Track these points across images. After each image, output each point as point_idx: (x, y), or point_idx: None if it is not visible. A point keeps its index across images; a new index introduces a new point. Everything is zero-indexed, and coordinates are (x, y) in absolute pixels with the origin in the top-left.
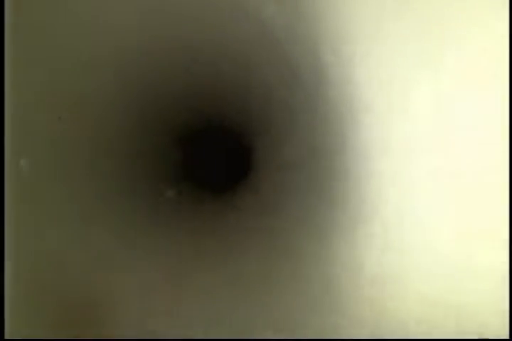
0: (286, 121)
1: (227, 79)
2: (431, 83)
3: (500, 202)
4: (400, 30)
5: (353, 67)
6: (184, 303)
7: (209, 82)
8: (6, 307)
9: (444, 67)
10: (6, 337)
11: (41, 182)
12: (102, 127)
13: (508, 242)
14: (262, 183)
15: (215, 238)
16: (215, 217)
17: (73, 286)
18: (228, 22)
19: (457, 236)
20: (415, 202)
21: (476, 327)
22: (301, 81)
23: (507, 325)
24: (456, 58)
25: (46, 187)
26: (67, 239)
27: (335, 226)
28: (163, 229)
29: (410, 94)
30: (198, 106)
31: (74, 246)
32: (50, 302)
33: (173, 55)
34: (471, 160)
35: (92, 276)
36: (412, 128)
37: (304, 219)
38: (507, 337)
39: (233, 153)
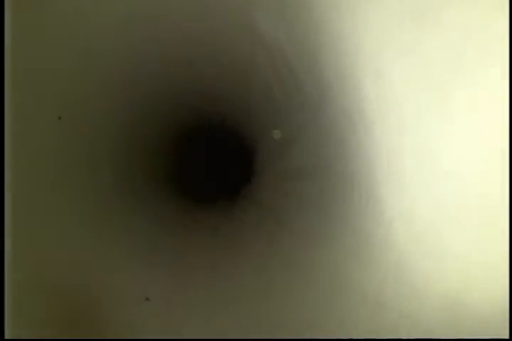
0: (290, 129)
1: (231, 86)
2: (438, 90)
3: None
4: (405, 41)
5: (360, 75)
6: (183, 310)
7: (211, 87)
8: (6, 307)
9: (449, 73)
10: (6, 337)
11: (41, 182)
12: (102, 127)
13: (508, 242)
14: (264, 192)
15: (215, 248)
16: (215, 226)
17: (73, 286)
18: (230, 33)
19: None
20: (426, 211)
21: (475, 326)
22: (306, 88)
23: (507, 325)
24: (462, 65)
25: (46, 187)
26: (67, 239)
27: (339, 239)
28: (162, 238)
29: (420, 102)
30: (199, 111)
31: (74, 246)
32: (50, 302)
33: (175, 56)
34: (477, 167)
35: (93, 276)
36: (423, 137)
37: (306, 230)
38: (507, 337)
39: (235, 160)
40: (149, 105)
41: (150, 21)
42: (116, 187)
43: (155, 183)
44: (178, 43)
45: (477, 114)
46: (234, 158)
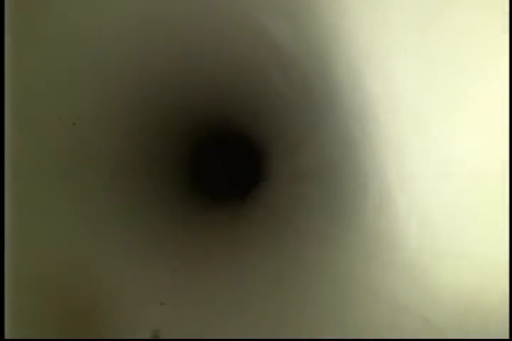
0: (299, 133)
1: (240, 90)
2: (448, 90)
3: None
4: (414, 42)
5: (370, 76)
6: (191, 310)
7: (220, 89)
8: (6, 307)
9: (458, 72)
10: (6, 337)
11: (44, 183)
12: (114, 133)
13: (508, 241)
14: (273, 194)
15: (224, 247)
16: (225, 226)
17: (74, 286)
18: (241, 37)
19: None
20: (438, 212)
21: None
22: (315, 90)
23: (507, 325)
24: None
25: (47, 188)
26: (68, 239)
27: (347, 240)
28: (172, 239)
29: (430, 102)
30: (209, 114)
31: (74, 246)
32: (51, 302)
33: (183, 58)
34: (491, 167)
35: (93, 276)
36: (433, 137)
37: (314, 231)
38: (507, 337)
39: (245, 163)
40: (156, 109)
41: (156, 23)
42: (127, 188)
43: (165, 186)
44: (185, 45)
45: (487, 113)
46: (243, 159)
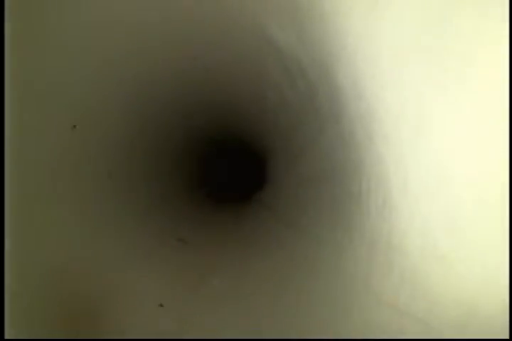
0: (303, 137)
1: (245, 95)
2: (456, 97)
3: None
4: (421, 48)
5: (375, 82)
6: (192, 313)
7: (225, 95)
8: (6, 307)
9: (466, 78)
10: (6, 337)
11: (45, 185)
12: (114, 136)
13: (508, 242)
14: (277, 198)
15: (227, 250)
16: (228, 229)
17: (74, 287)
18: (245, 42)
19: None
20: (441, 218)
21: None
22: (320, 96)
23: (507, 325)
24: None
25: (48, 189)
26: (68, 239)
27: (351, 244)
28: (174, 243)
29: (437, 108)
30: (214, 118)
31: (75, 247)
32: (51, 302)
33: (189, 65)
34: (495, 175)
35: (93, 277)
36: (440, 144)
37: (318, 234)
38: (507, 337)
39: (249, 166)
40: (158, 113)
41: (158, 27)
42: (129, 190)
43: (168, 190)
44: (187, 49)
45: (495, 120)
46: (247, 163)
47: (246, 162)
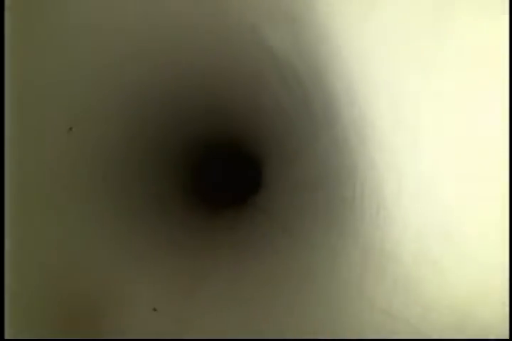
0: (297, 142)
1: (240, 99)
2: (451, 101)
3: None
4: (415, 51)
5: (370, 87)
6: (187, 317)
7: (220, 100)
8: (6, 307)
9: (462, 81)
10: (6, 337)
11: (43, 186)
12: (112, 139)
13: (508, 252)
14: (271, 202)
15: (223, 254)
16: (224, 233)
17: (73, 287)
18: (240, 49)
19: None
20: (435, 224)
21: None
22: (314, 101)
23: (507, 325)
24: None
25: (48, 191)
26: (68, 240)
27: (344, 249)
28: (169, 245)
29: (425, 116)
30: (209, 124)
31: (75, 247)
32: (51, 302)
33: (186, 68)
34: (491, 180)
35: (94, 277)
36: (435, 149)
37: (312, 239)
38: (507, 337)
39: (244, 171)
40: (154, 116)
41: (153, 30)
42: (126, 193)
43: (164, 194)
44: (183, 53)
45: (491, 125)
46: (242, 168)
47: (241, 166)
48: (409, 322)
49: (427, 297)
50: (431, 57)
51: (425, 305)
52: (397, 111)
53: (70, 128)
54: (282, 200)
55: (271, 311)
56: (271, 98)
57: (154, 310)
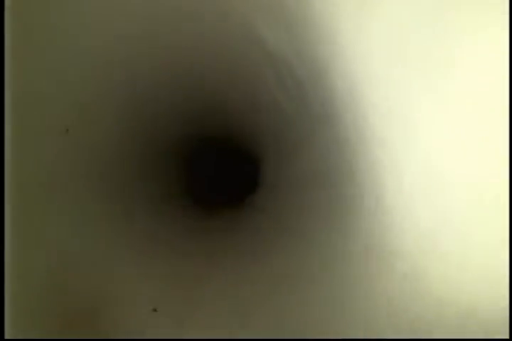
0: (295, 140)
1: (238, 99)
2: (451, 101)
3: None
4: (414, 51)
5: (365, 86)
6: (185, 317)
7: (219, 99)
8: (6, 307)
9: (463, 81)
10: (6, 337)
11: (43, 186)
12: (108, 139)
13: (508, 242)
14: (270, 200)
15: (221, 253)
16: (222, 232)
17: (74, 286)
18: (238, 47)
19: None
20: (435, 223)
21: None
22: (313, 100)
23: (507, 325)
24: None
25: (47, 191)
26: (68, 239)
27: (344, 245)
28: (167, 245)
29: (424, 113)
30: (207, 123)
31: (75, 247)
32: (51, 302)
33: (184, 68)
34: (489, 179)
35: (94, 276)
36: (434, 148)
37: (312, 237)
38: (507, 337)
39: (241, 169)
40: (151, 115)
41: (151, 29)
42: (123, 194)
43: (160, 192)
44: (179, 53)
45: (491, 123)
46: (239, 166)
47: (239, 165)
48: (413, 319)
49: (429, 292)
50: (432, 56)
51: (429, 301)
52: (397, 109)
53: (67, 130)
54: (281, 199)
55: (272, 311)
56: (269, 97)
57: (154, 310)
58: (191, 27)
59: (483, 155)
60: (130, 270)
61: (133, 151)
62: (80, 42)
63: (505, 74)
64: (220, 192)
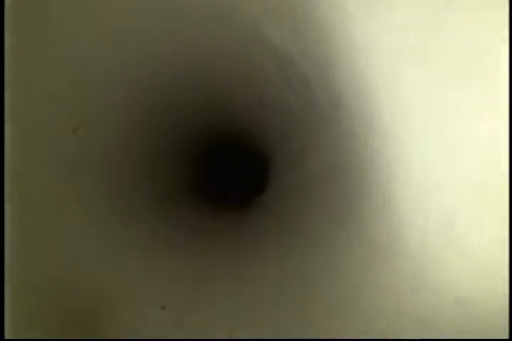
0: (303, 140)
1: (245, 98)
2: (455, 96)
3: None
4: (419, 49)
5: (373, 85)
6: (193, 315)
7: (226, 100)
8: (6, 307)
9: (465, 77)
10: (6, 337)
11: (45, 186)
12: (115, 139)
13: (508, 242)
14: (278, 201)
15: (229, 254)
16: (230, 233)
17: (74, 286)
18: (245, 48)
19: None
20: (441, 223)
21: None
22: (319, 99)
23: (507, 325)
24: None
25: (47, 191)
26: (69, 239)
27: (351, 246)
28: (175, 245)
29: (431, 111)
30: (214, 123)
31: (75, 247)
32: (50, 302)
33: (190, 67)
34: (499, 177)
35: (95, 276)
36: (440, 147)
37: (319, 237)
38: (507, 337)
39: (249, 170)
40: (159, 115)
41: (156, 28)
42: (130, 194)
43: (169, 193)
44: (186, 53)
45: (498, 120)
46: (248, 167)
47: (247, 166)
48: (416, 316)
49: (433, 291)
50: (439, 54)
51: (432, 299)
52: (403, 104)
53: (73, 131)
54: (289, 199)
55: (279, 312)
56: (276, 96)
57: (163, 307)
58: (199, 27)
59: (493, 152)
60: (131, 270)
61: (139, 151)
62: (85, 41)
63: (505, 71)
64: (228, 193)
